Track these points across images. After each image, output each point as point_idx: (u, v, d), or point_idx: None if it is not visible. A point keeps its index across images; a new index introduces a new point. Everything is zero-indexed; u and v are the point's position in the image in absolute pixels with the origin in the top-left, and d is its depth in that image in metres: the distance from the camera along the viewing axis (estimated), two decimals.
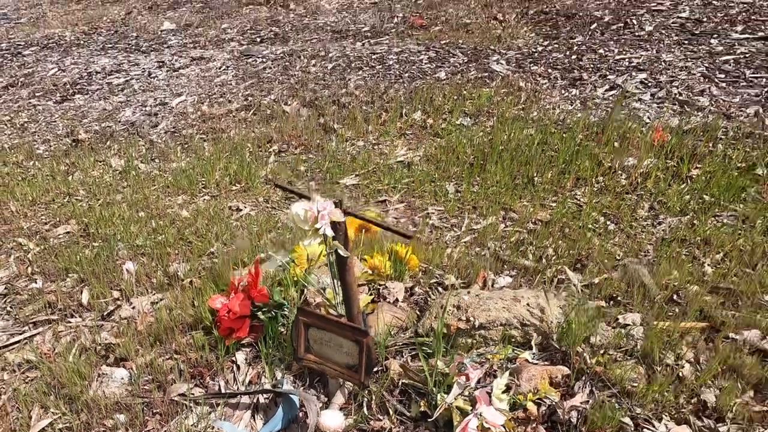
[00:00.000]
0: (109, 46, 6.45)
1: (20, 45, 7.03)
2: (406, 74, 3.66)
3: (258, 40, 5.87)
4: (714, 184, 2.07)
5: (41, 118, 3.87)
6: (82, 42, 6.85)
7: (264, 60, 4.39)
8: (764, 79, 2.96)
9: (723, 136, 2.44)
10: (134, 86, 4.28)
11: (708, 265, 1.66)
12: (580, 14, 4.73)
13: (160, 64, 4.85)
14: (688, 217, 1.93)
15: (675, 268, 1.63)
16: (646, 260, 1.72)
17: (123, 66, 5.03)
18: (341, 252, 1.16)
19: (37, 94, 4.51)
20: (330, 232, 1.09)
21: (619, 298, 1.53)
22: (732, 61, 3.25)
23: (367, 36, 5.20)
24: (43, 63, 5.85)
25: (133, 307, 1.64)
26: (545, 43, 4.09)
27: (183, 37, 6.51)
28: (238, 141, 3.00)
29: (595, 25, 4.37)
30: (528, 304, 1.34)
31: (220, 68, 4.37)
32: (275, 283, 1.55)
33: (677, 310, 1.47)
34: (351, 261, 1.21)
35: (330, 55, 4.27)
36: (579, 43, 3.95)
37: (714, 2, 4.45)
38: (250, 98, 3.57)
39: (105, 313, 1.68)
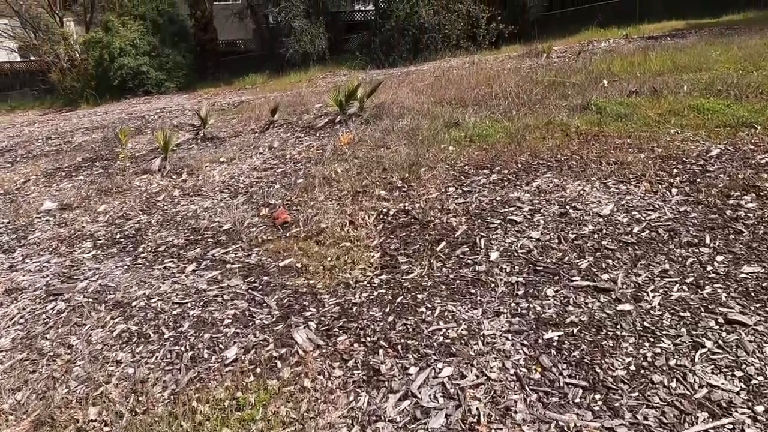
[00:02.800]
0: None
1: None
2: (190, 353, 2.97)
3: (118, 236, 5.27)
4: None
5: None
6: None
7: (59, 313, 3.69)
8: (580, 389, 2.31)
9: None
10: None
11: None
12: (437, 221, 4.21)
13: None
14: None
15: None
16: None
17: None
18: None
19: None
20: None
21: None
22: (556, 342, 2.61)
23: (219, 242, 4.61)
24: None
25: None
26: (378, 279, 3.49)
27: (52, 225, 5.93)
28: None
29: (443, 243, 3.82)
30: None
31: (12, 319, 3.67)
32: None
33: None
34: None
35: (133, 305, 3.61)
36: (411, 283, 3.35)
37: (571, 212, 3.96)
38: None
39: None
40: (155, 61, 18.09)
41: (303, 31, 17.26)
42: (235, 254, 4.32)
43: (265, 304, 3.37)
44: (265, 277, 3.77)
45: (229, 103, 13.58)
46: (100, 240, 5.22)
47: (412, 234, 4.09)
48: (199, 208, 5.66)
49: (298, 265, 3.90)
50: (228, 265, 4.10)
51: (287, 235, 4.55)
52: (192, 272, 4.05)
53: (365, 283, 3.46)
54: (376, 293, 3.31)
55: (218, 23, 20.31)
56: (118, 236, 5.26)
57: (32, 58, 22.59)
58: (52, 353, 3.16)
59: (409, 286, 3.33)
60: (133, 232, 5.31)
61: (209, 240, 4.71)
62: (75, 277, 4.25)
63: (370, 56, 16.74)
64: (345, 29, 20.67)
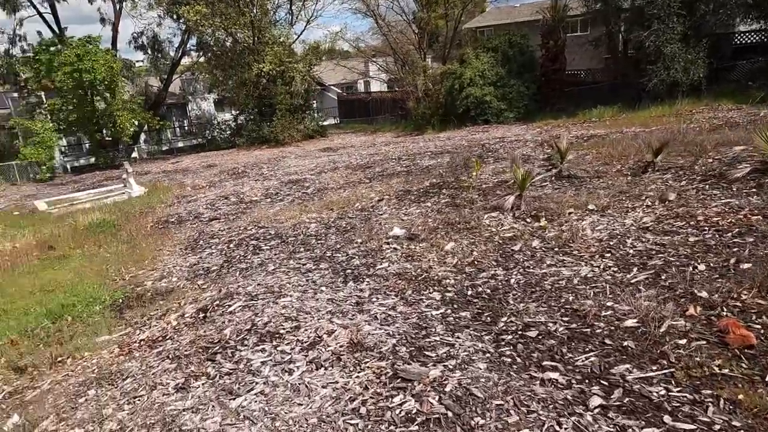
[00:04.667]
0: (327, 256, 5.70)
1: (269, 235, 7.05)
2: None
3: (469, 292, 4.12)
4: None
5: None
6: (311, 241, 6.38)
7: (406, 422, 2.52)
8: None
9: None
10: (254, 395, 2.98)
11: None
12: None
13: (313, 342, 3.52)
14: None
15: None
16: None
17: (294, 319, 3.92)
18: None
19: (180, 353, 3.70)
20: None
21: None
22: None
23: (626, 351, 2.84)
24: (251, 275, 5.35)
25: None
26: None
27: (399, 256, 5.29)
28: None
29: None
30: None
31: (353, 400, 2.71)
32: None
33: None
34: None
35: None
36: None
37: None
38: None
39: None
40: (499, 91, 17.87)
41: (675, 57, 14.09)
42: (667, 391, 2.47)
43: None
44: None
45: (576, 137, 11.82)
46: (449, 292, 4.18)
47: None
48: (574, 276, 4.05)
49: None
50: (670, 421, 2.27)
51: (766, 379, 2.44)
52: (601, 414, 2.38)
53: None
54: None
55: (567, 53, 18.89)
56: (470, 293, 4.11)
57: (395, 89, 25.88)
58: None
59: None
60: (489, 291, 4.07)
61: (607, 342, 3.00)
62: (426, 350, 3.16)
63: None
64: (729, 55, 16.32)
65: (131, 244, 7.45)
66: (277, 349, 3.51)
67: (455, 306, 3.88)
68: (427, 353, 3.11)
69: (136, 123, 20.09)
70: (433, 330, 3.46)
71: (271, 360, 3.37)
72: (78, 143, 22.19)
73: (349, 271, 5.08)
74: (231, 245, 6.70)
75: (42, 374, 3.79)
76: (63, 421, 3.04)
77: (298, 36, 23.55)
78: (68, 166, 21.19)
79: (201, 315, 4.45)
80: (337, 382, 2.91)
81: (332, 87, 30.03)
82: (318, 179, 11.17)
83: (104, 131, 19.50)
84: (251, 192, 10.52)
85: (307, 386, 2.94)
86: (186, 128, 26.66)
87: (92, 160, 20.47)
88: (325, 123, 23.46)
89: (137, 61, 25.86)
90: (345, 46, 29.62)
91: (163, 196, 11.45)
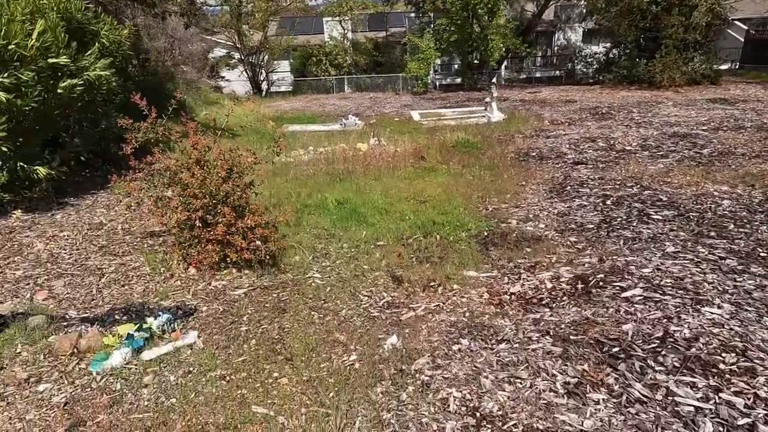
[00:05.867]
0: (761, 256, 3.89)
1: (658, 201, 5.40)
2: None
3: None
4: None
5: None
6: (727, 226, 4.52)
7: None
8: None
9: None
10: None
11: None
12: None
13: None
14: None
15: None
16: None
17: (739, 352, 2.59)
18: None
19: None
20: None
21: None
22: None
23: None
24: (642, 250, 4.07)
25: None
26: None
27: None
28: None
29: None
30: None
31: None
32: None
33: None
34: None
35: None
36: None
37: None
38: None
39: None
40: None
41: None
42: None
43: None
44: None
45: None
46: None
47: None
48: None
49: None
50: None
51: None
52: None
53: None
54: None
55: None
56: None
57: None
58: None
59: None
60: None
61: None
62: None
63: None
64: None
65: (493, 172, 7.10)
66: (719, 395, 2.30)
67: None
68: None
69: (504, 48, 19.97)
70: None
71: (712, 413, 2.21)
72: (448, 63, 23.88)
73: None
74: (607, 202, 5.50)
75: (416, 294, 3.63)
76: (439, 369, 2.68)
77: None
78: (437, 84, 23.17)
79: (580, 285, 3.56)
80: None
81: (736, 22, 23.29)
82: (715, 138, 8.54)
83: (474, 54, 20.15)
84: (624, 139, 8.83)
85: None
86: (547, 58, 25.44)
87: (458, 80, 21.72)
88: (720, 67, 18.45)
89: None
90: None
91: (522, 126, 10.88)
